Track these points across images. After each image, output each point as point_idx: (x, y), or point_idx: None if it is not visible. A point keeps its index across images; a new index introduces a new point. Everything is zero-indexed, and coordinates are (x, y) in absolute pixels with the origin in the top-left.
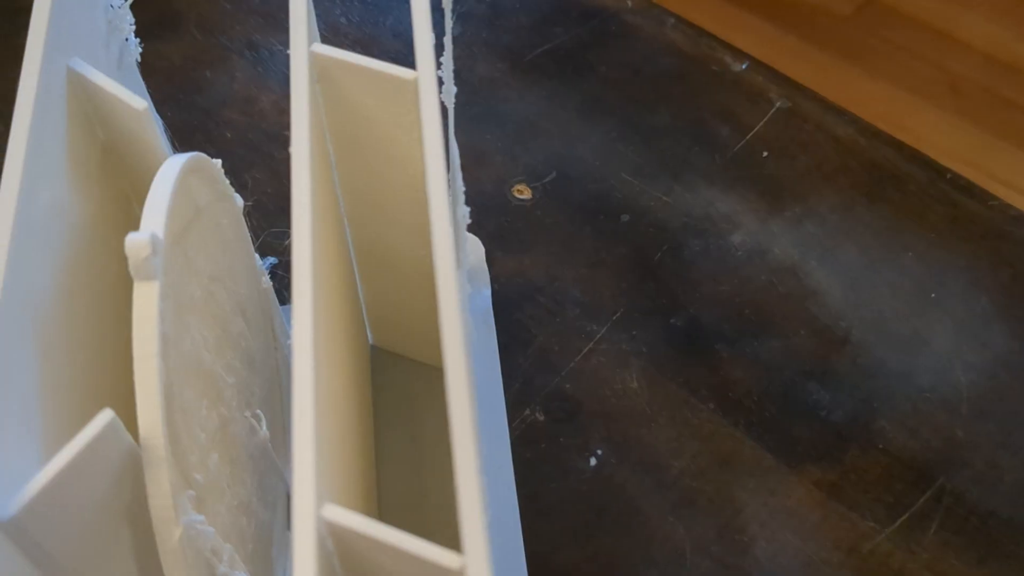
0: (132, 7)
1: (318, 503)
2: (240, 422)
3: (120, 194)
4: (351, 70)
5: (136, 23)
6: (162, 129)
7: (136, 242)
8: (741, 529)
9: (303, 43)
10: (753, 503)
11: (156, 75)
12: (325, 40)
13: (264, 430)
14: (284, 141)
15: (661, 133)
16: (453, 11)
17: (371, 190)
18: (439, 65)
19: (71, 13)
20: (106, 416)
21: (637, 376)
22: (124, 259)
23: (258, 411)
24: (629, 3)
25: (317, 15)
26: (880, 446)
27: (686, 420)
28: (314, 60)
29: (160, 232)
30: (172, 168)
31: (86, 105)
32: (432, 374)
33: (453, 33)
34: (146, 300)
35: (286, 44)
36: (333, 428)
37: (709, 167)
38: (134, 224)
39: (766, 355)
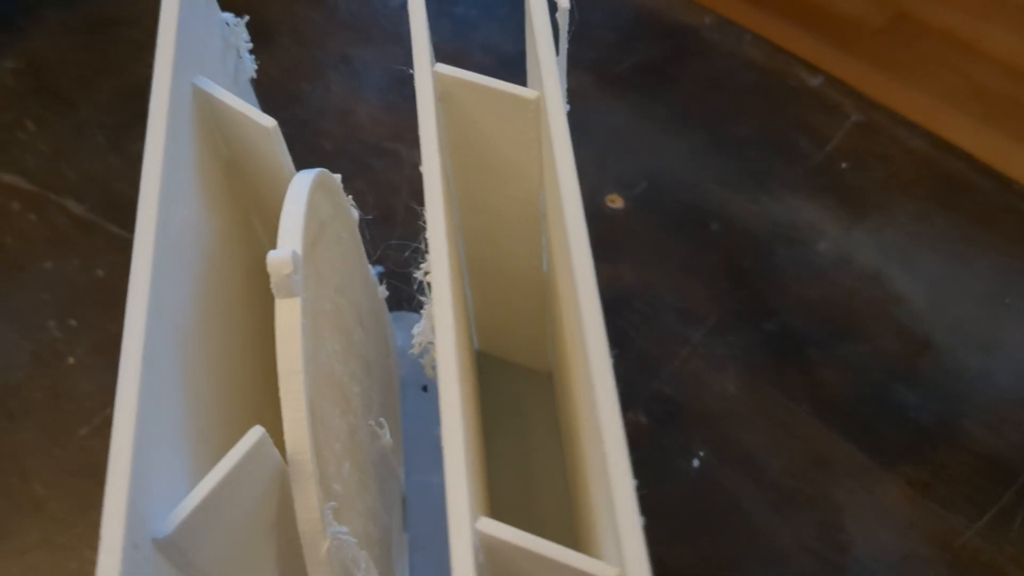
0: None
1: (473, 517)
2: (364, 429)
3: (240, 209)
4: (472, 89)
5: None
6: None
7: (279, 260)
8: (840, 527)
9: (426, 64)
10: (850, 501)
11: (253, 87)
12: None
13: (387, 436)
14: (382, 152)
15: (745, 144)
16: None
17: (484, 203)
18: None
19: (194, 31)
20: (256, 433)
21: (734, 379)
22: (249, 274)
23: (381, 419)
24: (707, 20)
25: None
26: (966, 445)
27: (783, 421)
28: (437, 80)
29: (299, 249)
30: (303, 184)
31: (211, 122)
32: (532, 377)
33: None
34: (289, 316)
35: (379, 57)
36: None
37: (792, 177)
38: (255, 239)
39: (855, 358)
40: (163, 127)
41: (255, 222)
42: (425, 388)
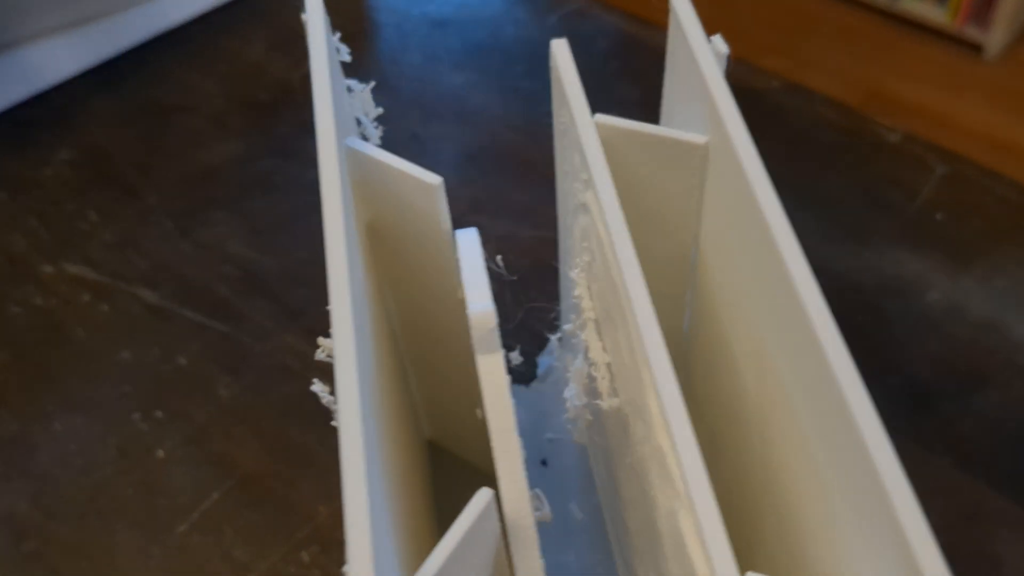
0: (292, 104)
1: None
2: None
3: (375, 274)
4: (635, 137)
5: (299, 119)
6: None
7: (484, 313)
8: None
9: (587, 113)
10: (1010, 556)
11: None
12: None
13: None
14: (464, 225)
15: (835, 201)
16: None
17: None
18: None
19: (337, 95)
20: (486, 495)
21: None
22: (387, 338)
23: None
24: (775, 84)
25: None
26: None
27: (927, 478)
28: (598, 130)
29: (492, 303)
30: (473, 239)
31: (360, 183)
32: None
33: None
34: (496, 372)
35: (447, 135)
36: None
37: (889, 231)
38: (386, 305)
39: (989, 408)
40: (338, 193)
41: (385, 288)
42: (544, 463)
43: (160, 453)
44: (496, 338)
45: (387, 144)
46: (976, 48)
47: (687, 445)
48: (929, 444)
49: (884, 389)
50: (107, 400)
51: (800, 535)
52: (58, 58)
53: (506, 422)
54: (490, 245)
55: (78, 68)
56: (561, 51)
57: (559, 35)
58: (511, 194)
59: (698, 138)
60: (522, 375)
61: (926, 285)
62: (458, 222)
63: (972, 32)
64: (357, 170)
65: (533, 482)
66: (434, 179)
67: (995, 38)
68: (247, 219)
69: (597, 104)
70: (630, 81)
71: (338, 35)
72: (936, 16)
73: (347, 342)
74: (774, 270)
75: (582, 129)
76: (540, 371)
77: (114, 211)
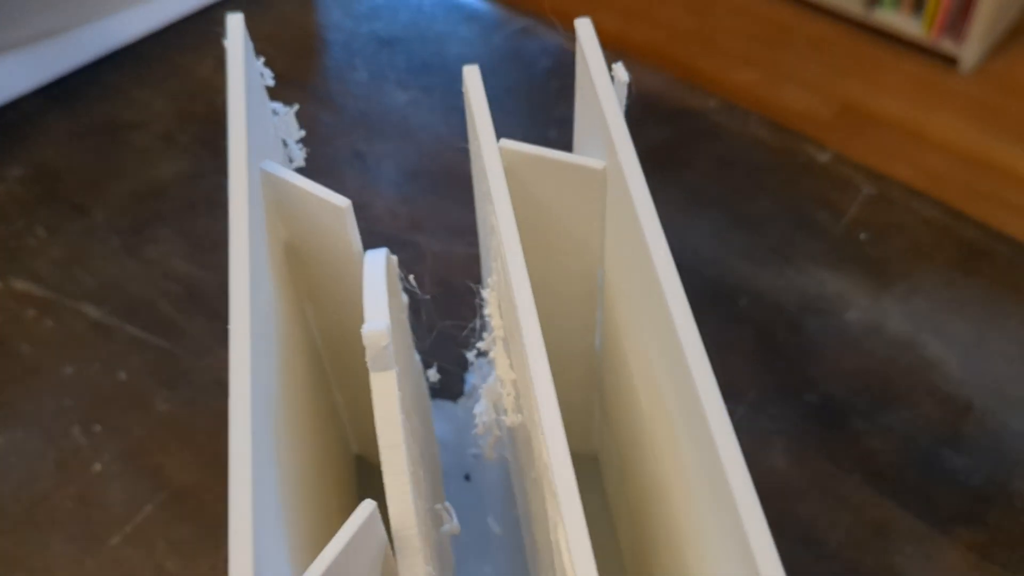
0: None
1: None
2: (432, 514)
3: (297, 293)
4: (538, 162)
5: None
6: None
7: (376, 332)
8: None
9: (492, 138)
10: (912, 569)
11: None
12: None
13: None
14: (402, 243)
15: (763, 220)
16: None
17: (538, 279)
18: None
19: (255, 119)
20: (368, 507)
21: (782, 454)
22: (307, 355)
23: (446, 503)
24: (711, 104)
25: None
26: (1018, 505)
27: (836, 493)
28: (503, 154)
29: (387, 322)
30: (378, 260)
31: (275, 205)
32: (576, 461)
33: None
34: (387, 389)
35: (391, 152)
36: None
37: (814, 250)
38: (309, 325)
39: (899, 425)
40: (245, 215)
41: (306, 306)
42: (468, 477)
43: (97, 466)
44: (389, 356)
45: (330, 162)
46: (951, 61)
47: (560, 459)
48: (839, 460)
49: (801, 406)
50: (48, 414)
51: (682, 548)
52: (11, 76)
53: (394, 438)
54: (425, 262)
55: (31, 85)
56: (471, 76)
57: (504, 54)
58: (449, 212)
59: (597, 163)
60: (450, 392)
61: (846, 304)
62: (397, 239)
63: (947, 45)
64: (272, 192)
65: (455, 496)
66: (343, 202)
67: (970, 51)
68: (191, 236)
69: (537, 123)
70: (570, 100)
71: (262, 59)
72: (911, 28)
73: (242, 363)
74: (653, 292)
75: (486, 154)
76: (467, 388)
77: (62, 228)
